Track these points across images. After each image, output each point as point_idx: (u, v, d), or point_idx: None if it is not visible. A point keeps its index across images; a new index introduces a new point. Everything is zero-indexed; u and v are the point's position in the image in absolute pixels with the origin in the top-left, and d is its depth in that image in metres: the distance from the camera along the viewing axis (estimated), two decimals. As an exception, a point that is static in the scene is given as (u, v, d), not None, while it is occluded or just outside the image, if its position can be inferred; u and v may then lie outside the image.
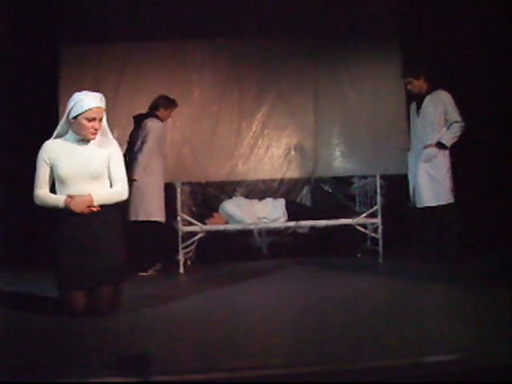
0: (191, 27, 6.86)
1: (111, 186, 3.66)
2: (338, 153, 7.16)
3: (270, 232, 6.46)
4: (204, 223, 5.99)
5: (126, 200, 3.82)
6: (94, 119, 3.51)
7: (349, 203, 6.84)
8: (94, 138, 3.59)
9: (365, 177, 6.37)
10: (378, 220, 5.80)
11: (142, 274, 5.45)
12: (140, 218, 5.59)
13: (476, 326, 2.89)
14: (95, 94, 3.56)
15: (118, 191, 3.66)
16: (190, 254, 6.04)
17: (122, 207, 3.83)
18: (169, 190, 5.84)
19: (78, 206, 3.48)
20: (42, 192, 3.56)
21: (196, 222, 5.88)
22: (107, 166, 3.63)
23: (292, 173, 7.15)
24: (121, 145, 3.82)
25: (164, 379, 2.26)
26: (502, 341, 2.51)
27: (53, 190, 3.60)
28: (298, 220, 5.99)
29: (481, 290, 3.92)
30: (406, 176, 5.74)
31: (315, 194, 7.11)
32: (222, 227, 6.04)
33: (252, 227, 6.08)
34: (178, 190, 5.75)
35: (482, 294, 3.80)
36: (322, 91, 7.15)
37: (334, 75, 7.16)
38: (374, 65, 7.14)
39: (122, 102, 6.94)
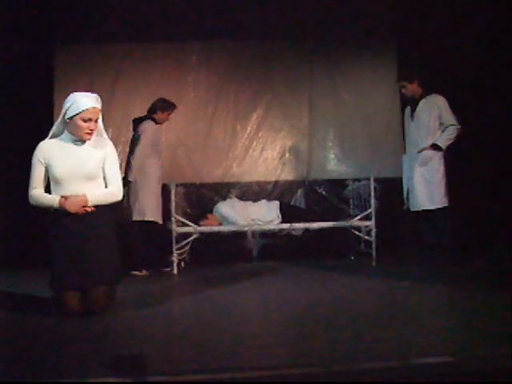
0: (187, 28, 6.87)
1: (106, 187, 3.66)
2: (332, 155, 7.18)
3: (264, 234, 6.48)
4: (198, 224, 5.99)
5: (122, 201, 3.83)
6: (90, 120, 3.51)
7: (343, 206, 6.86)
8: (89, 139, 3.59)
9: (359, 179, 6.40)
10: (371, 223, 5.83)
11: (135, 272, 5.48)
12: (134, 218, 5.64)
13: (471, 328, 2.90)
14: (91, 94, 3.57)
15: (113, 192, 3.66)
16: (184, 256, 6.05)
17: (116, 207, 3.82)
18: (163, 191, 5.85)
19: (72, 206, 3.48)
20: (36, 192, 3.55)
21: (190, 224, 5.88)
22: (102, 167, 3.63)
23: (286, 175, 7.17)
24: (116, 145, 3.82)
25: (160, 380, 2.26)
26: (498, 343, 2.53)
27: (48, 190, 3.60)
28: (292, 222, 6.01)
29: (475, 292, 3.94)
30: (400, 179, 5.76)
31: (309, 197, 7.12)
32: (216, 229, 6.04)
33: (246, 229, 6.09)
34: (172, 191, 5.76)
35: (477, 296, 3.81)
36: (316, 94, 7.18)
37: (329, 78, 7.18)
38: (369, 68, 7.17)
39: (118, 102, 6.95)
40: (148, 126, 5.67)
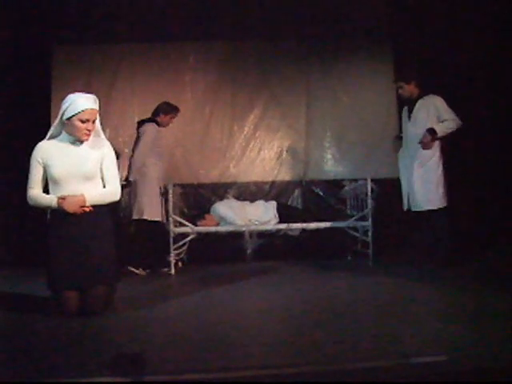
0: (184, 29, 6.89)
1: (104, 187, 3.67)
2: (329, 156, 7.20)
3: (261, 234, 6.49)
4: (195, 225, 6.00)
5: (121, 200, 3.86)
6: (88, 120, 3.52)
7: (340, 206, 6.89)
8: (87, 139, 3.60)
9: (356, 180, 6.41)
10: (368, 223, 5.84)
11: (131, 269, 5.52)
12: (133, 217, 5.74)
13: (468, 327, 2.92)
14: (89, 95, 3.58)
15: (111, 191, 3.67)
16: (182, 256, 6.06)
17: (116, 207, 3.85)
18: (160, 191, 5.87)
19: (70, 206, 3.49)
20: (35, 192, 3.56)
21: (187, 224, 5.89)
22: (100, 167, 3.64)
23: (283, 175, 7.18)
24: (113, 146, 3.83)
25: (159, 379, 2.27)
26: (494, 342, 2.55)
27: (46, 190, 3.61)
28: (289, 222, 6.02)
29: (473, 292, 3.95)
30: (397, 180, 5.77)
31: (306, 197, 7.14)
32: (213, 229, 6.05)
33: (243, 229, 6.10)
34: (170, 191, 5.77)
35: (474, 295, 3.83)
36: (314, 94, 7.20)
37: (326, 79, 7.20)
38: (366, 69, 7.19)
39: (115, 102, 6.96)
40: (148, 128, 5.76)
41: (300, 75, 7.20)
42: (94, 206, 3.55)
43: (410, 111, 5.56)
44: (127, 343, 2.87)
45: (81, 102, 3.49)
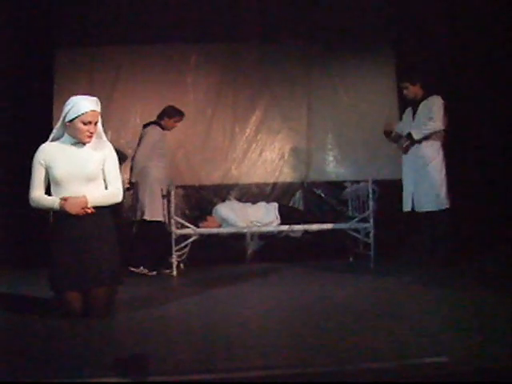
0: (186, 31, 6.91)
1: (106, 188, 3.68)
2: (330, 157, 7.21)
3: (263, 236, 6.50)
4: (197, 226, 6.01)
5: (123, 201, 3.88)
6: (90, 122, 3.54)
7: (341, 208, 6.90)
8: (89, 141, 3.61)
9: (357, 181, 6.41)
10: (370, 224, 5.84)
11: (132, 268, 5.55)
12: (135, 218, 5.83)
13: (468, 328, 2.92)
14: (91, 97, 3.59)
15: (113, 193, 3.69)
16: (184, 257, 6.06)
17: (118, 208, 3.87)
18: (162, 192, 5.89)
19: (72, 208, 3.50)
20: (37, 194, 3.58)
21: (189, 225, 5.90)
22: (102, 168, 3.66)
23: (285, 177, 7.20)
24: (115, 147, 3.85)
25: (160, 379, 2.28)
26: (495, 342, 2.56)
27: (48, 192, 3.62)
28: (291, 224, 6.03)
29: (473, 293, 3.96)
30: (398, 181, 5.77)
31: (308, 198, 7.15)
32: (215, 230, 6.06)
33: (245, 231, 6.11)
34: (172, 192, 5.78)
35: (475, 297, 3.83)
36: (315, 96, 7.21)
37: (327, 80, 7.21)
38: (368, 70, 7.20)
39: (117, 105, 6.98)
40: (150, 130, 5.85)
41: (301, 77, 7.21)
42: (96, 208, 3.56)
43: (414, 112, 5.57)
44: (129, 344, 2.88)
45: (83, 104, 3.51)
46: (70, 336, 3.11)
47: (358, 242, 6.18)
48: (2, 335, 3.23)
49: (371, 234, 5.82)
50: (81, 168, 3.56)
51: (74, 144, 3.62)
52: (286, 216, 6.23)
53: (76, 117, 3.50)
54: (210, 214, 6.28)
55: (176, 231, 5.78)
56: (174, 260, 5.73)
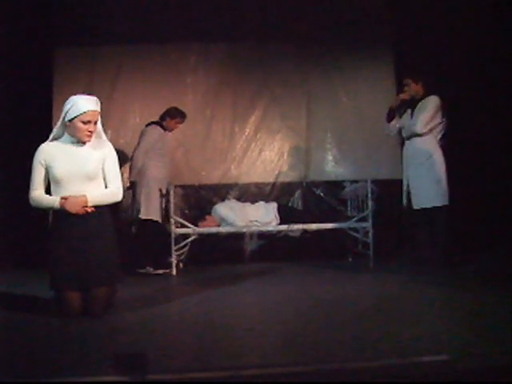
0: (185, 30, 6.91)
1: (106, 187, 3.69)
2: (330, 157, 7.21)
3: (262, 235, 6.51)
4: (197, 226, 6.02)
5: (122, 201, 3.88)
6: (90, 122, 3.54)
7: (340, 207, 6.90)
8: (89, 141, 3.62)
9: (356, 181, 6.42)
10: (369, 224, 5.85)
11: (140, 270, 5.57)
12: (134, 217, 5.86)
13: (467, 327, 2.93)
14: (91, 97, 3.60)
15: (113, 192, 3.69)
16: (183, 257, 6.07)
17: (118, 207, 3.88)
18: (161, 192, 5.90)
19: (72, 207, 3.50)
20: (37, 193, 3.58)
21: (189, 225, 5.90)
22: (102, 167, 3.66)
23: (284, 176, 7.20)
24: (115, 147, 3.85)
25: (160, 379, 2.29)
26: (495, 342, 2.56)
27: (48, 191, 3.62)
28: (290, 223, 6.03)
29: (472, 292, 3.97)
30: (397, 181, 5.78)
31: (307, 198, 7.15)
32: (214, 230, 6.07)
33: (244, 230, 6.12)
34: (171, 192, 5.78)
35: (474, 295, 3.85)
36: (315, 96, 7.21)
37: (327, 80, 7.22)
38: (367, 71, 7.20)
39: (116, 104, 6.97)
40: (149, 130, 5.88)
41: (301, 77, 7.22)
42: (95, 207, 3.57)
43: (412, 111, 5.57)
44: (128, 343, 2.88)
45: (82, 104, 3.51)
46: (69, 335, 3.12)
47: (357, 241, 6.19)
48: (2, 335, 3.24)
49: (370, 234, 5.84)
50: (81, 167, 3.57)
51: (74, 143, 3.62)
52: (285, 215, 6.24)
53: (76, 116, 3.50)
54: (210, 213, 6.28)
55: (175, 230, 5.79)
56: (174, 259, 5.73)
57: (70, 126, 3.56)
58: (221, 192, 7.07)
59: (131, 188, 5.87)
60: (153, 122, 5.95)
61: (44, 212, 3.64)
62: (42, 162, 3.57)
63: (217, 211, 6.21)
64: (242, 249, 6.59)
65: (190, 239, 5.92)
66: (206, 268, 5.99)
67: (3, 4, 5.90)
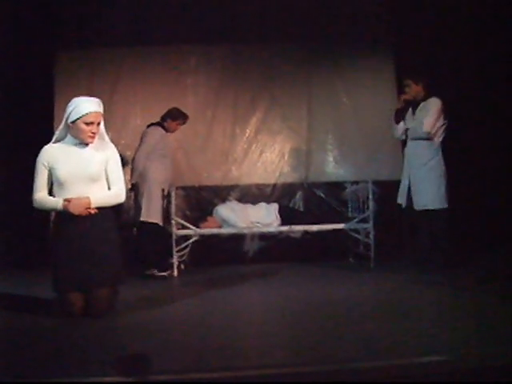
0: (186, 32, 6.91)
1: (109, 189, 3.70)
2: (330, 158, 7.21)
3: (263, 236, 6.51)
4: (198, 227, 6.03)
5: (124, 203, 3.90)
6: (92, 123, 3.56)
7: (341, 208, 6.90)
8: (92, 142, 3.64)
9: (357, 182, 6.43)
10: (370, 225, 5.86)
11: (147, 272, 5.56)
12: (135, 219, 5.83)
13: (467, 327, 2.94)
14: (93, 98, 3.62)
15: (116, 193, 3.71)
16: (184, 258, 6.08)
17: (120, 209, 3.89)
18: (163, 194, 5.91)
19: (75, 208, 3.52)
20: (40, 195, 3.60)
21: (190, 226, 5.91)
22: (105, 169, 3.68)
23: (285, 177, 7.20)
24: (116, 148, 3.86)
25: (160, 379, 2.30)
26: (495, 342, 2.57)
27: (51, 193, 3.64)
28: (291, 225, 6.04)
29: (472, 293, 3.98)
30: (398, 182, 5.77)
31: (308, 199, 7.15)
32: (215, 231, 6.07)
33: (245, 231, 6.13)
34: (172, 193, 5.79)
35: (473, 296, 3.86)
36: (315, 97, 7.22)
37: (327, 81, 7.22)
38: (368, 72, 7.20)
39: (117, 106, 6.97)
40: (150, 131, 5.86)
41: (301, 78, 7.22)
42: (98, 208, 3.58)
43: (413, 112, 5.56)
44: (130, 344, 2.89)
45: (85, 106, 3.53)
46: (70, 336, 3.13)
47: (358, 242, 6.19)
48: (2, 335, 3.25)
49: (371, 235, 5.84)
50: (84, 169, 3.58)
51: (77, 145, 3.64)
52: (287, 217, 6.25)
53: (78, 118, 3.52)
54: (211, 214, 6.29)
55: (177, 232, 5.80)
56: (175, 261, 5.74)
57: (72, 127, 3.58)
58: (222, 193, 7.07)
59: (132, 190, 5.86)
60: (154, 123, 5.94)
61: (47, 213, 3.65)
62: (45, 163, 3.59)
63: (218, 212, 6.22)
64: (243, 250, 6.59)
65: (191, 240, 5.93)
66: (207, 269, 6.00)
67: (5, 7, 5.91)
